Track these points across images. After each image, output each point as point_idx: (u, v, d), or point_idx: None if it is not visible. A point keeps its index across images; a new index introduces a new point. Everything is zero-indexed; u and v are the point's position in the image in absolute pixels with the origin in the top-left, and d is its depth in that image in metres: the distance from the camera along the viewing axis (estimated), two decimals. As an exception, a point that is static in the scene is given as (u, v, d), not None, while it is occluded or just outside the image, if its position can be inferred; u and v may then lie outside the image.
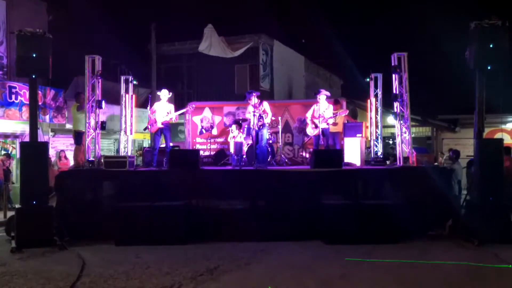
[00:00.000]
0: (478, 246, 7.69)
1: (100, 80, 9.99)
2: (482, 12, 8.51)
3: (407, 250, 7.50)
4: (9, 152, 13.63)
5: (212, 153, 12.00)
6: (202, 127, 12.73)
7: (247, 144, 10.69)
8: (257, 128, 9.79)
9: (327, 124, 10.12)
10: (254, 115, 9.82)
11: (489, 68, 8.29)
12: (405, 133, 9.69)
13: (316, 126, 10.19)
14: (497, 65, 8.26)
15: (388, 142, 15.34)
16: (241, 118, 11.88)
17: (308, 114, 10.48)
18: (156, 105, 10.32)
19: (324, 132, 10.16)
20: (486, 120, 8.70)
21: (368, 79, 11.16)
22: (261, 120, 9.82)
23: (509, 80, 9.16)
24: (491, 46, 8.10)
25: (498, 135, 11.87)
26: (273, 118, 10.67)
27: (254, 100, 9.97)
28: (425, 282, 5.97)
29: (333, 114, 10.17)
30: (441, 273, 6.33)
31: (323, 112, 10.11)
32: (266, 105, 10.03)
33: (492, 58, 8.17)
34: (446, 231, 8.65)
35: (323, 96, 10.27)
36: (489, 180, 8.27)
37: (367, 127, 11.00)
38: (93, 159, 9.70)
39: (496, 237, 7.87)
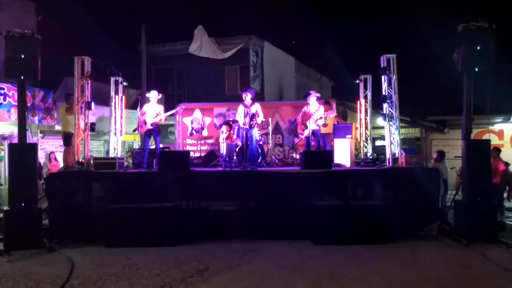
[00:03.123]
0: (466, 246, 7.78)
1: (89, 81, 9.94)
2: (469, 15, 8.58)
3: (397, 250, 7.57)
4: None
5: (203, 154, 11.99)
6: (193, 128, 12.73)
7: (238, 145, 10.70)
8: (248, 127, 9.78)
9: (317, 125, 10.16)
10: (245, 115, 9.82)
11: (476, 70, 8.38)
12: (394, 134, 9.76)
13: (306, 127, 10.23)
14: (484, 67, 8.34)
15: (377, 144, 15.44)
16: (231, 119, 11.89)
17: (299, 116, 10.54)
18: (146, 107, 10.30)
19: (315, 133, 10.20)
20: (474, 121, 8.79)
21: (357, 81, 11.25)
22: (253, 119, 9.80)
23: (497, 82, 9.27)
24: (478, 48, 8.20)
25: (485, 136, 11.95)
26: (264, 120, 10.73)
27: (247, 99, 9.96)
28: (414, 282, 6.02)
29: (323, 114, 10.22)
30: (430, 273, 6.38)
31: (314, 113, 10.16)
32: (258, 106, 10.02)
33: (479, 60, 8.27)
34: (435, 231, 8.71)
35: (313, 97, 10.32)
36: (477, 180, 8.37)
37: (356, 128, 11.07)
38: (82, 160, 9.65)
39: (484, 237, 7.98)
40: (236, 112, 10.46)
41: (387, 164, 9.73)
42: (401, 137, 9.91)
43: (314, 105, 10.29)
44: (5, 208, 8.48)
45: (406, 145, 15.33)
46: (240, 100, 10.39)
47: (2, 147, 13.86)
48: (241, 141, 10.13)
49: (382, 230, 8.11)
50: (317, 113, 10.15)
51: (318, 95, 10.57)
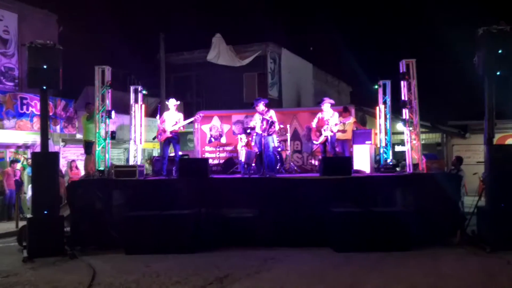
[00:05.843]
0: (490, 253, 7.61)
1: (109, 90, 10.07)
2: (490, 18, 8.45)
3: (418, 257, 7.44)
4: (21, 162, 13.77)
5: (221, 161, 12.01)
6: (211, 135, 12.77)
7: (257, 152, 10.69)
8: (265, 134, 9.79)
9: (332, 131, 10.11)
10: (262, 121, 9.84)
11: (498, 73, 8.24)
12: (415, 139, 9.64)
13: (321, 134, 10.19)
14: (506, 70, 8.20)
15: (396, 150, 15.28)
16: (249, 126, 11.92)
17: (313, 123, 10.50)
18: (165, 115, 10.39)
19: (329, 139, 10.14)
20: (497, 125, 8.65)
21: (376, 86, 11.14)
22: (272, 126, 9.81)
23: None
24: (499, 51, 8.06)
25: (508, 141, 11.77)
26: (282, 126, 10.66)
27: (261, 107, 10.00)
28: (436, 290, 5.93)
29: (339, 121, 10.18)
30: (453, 281, 6.26)
31: (329, 120, 10.12)
32: (272, 113, 10.04)
33: (501, 63, 8.12)
34: (457, 238, 8.56)
35: (327, 104, 10.30)
36: (500, 186, 8.19)
37: (376, 134, 10.96)
38: (103, 168, 9.76)
39: (509, 244, 7.78)
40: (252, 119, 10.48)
41: (408, 170, 9.61)
42: (421, 143, 9.77)
43: (328, 112, 10.26)
44: (28, 216, 8.62)
45: (427, 150, 15.14)
46: (257, 108, 10.41)
47: (25, 155, 14.12)
48: (258, 147, 10.15)
49: (404, 237, 7.99)
50: (332, 119, 10.11)
51: (332, 101, 10.53)
